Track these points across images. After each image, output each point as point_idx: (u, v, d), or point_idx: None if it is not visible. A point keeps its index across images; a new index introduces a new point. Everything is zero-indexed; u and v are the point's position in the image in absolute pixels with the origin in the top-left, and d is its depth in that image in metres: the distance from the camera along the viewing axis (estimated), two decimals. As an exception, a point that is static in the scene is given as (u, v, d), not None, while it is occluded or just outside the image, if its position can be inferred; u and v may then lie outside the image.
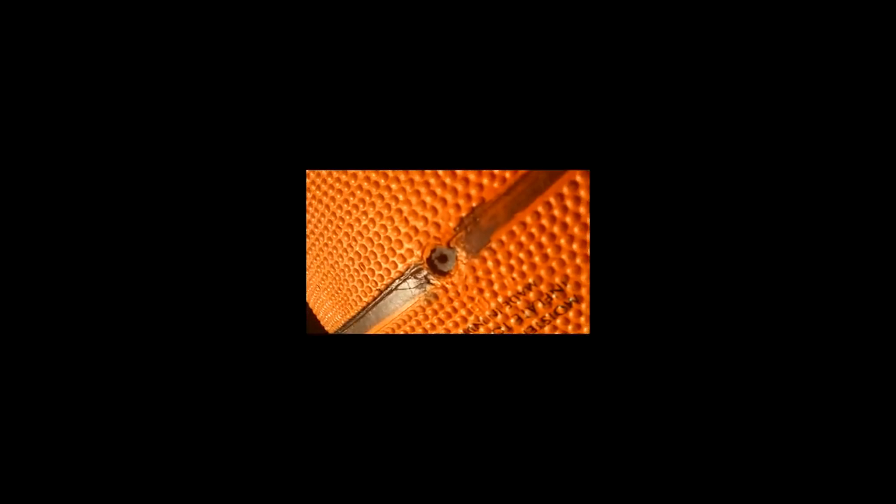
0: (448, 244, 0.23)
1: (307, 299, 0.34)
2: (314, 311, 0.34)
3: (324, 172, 0.26)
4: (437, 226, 0.23)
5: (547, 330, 0.24)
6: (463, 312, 0.24)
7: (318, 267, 0.29)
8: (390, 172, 0.24)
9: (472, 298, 0.24)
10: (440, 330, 0.25)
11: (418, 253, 0.24)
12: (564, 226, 0.22)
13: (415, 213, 0.23)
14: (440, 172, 0.23)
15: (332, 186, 0.26)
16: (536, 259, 0.22)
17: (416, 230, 0.23)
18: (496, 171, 0.22)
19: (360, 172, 0.25)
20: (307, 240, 0.29)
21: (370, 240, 0.25)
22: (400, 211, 0.24)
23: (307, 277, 0.31)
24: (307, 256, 0.29)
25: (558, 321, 0.23)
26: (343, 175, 0.25)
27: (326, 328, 0.33)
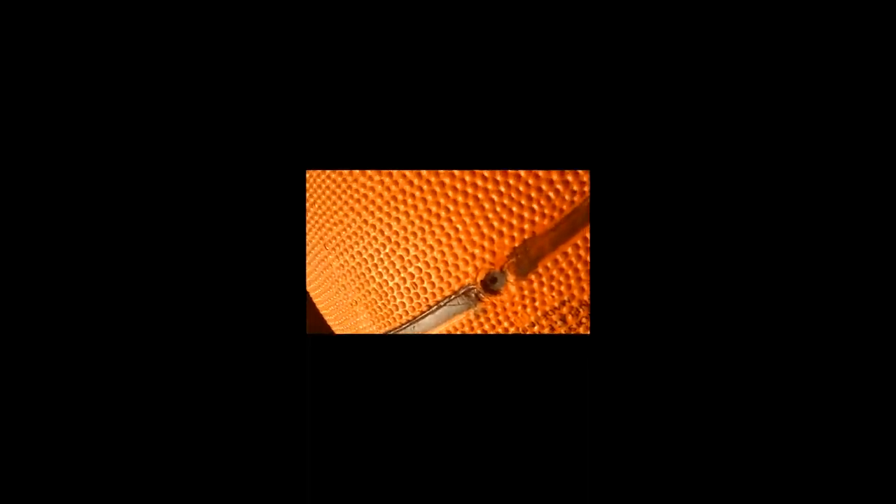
0: (501, 268, 0.28)
1: (327, 314, 0.36)
2: (336, 324, 0.36)
3: (378, 200, 0.29)
4: (493, 253, 0.28)
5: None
6: (506, 324, 0.29)
7: (362, 285, 0.31)
8: (451, 206, 0.28)
9: (515, 313, 0.29)
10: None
11: (473, 275, 0.28)
12: (594, 255, 0.28)
13: (473, 242, 0.28)
14: (498, 209, 0.27)
15: (388, 214, 0.29)
16: (572, 281, 0.28)
17: (473, 256, 0.28)
18: (546, 210, 0.27)
19: (420, 203, 0.28)
20: (351, 259, 0.31)
21: (427, 263, 0.29)
22: (459, 240, 0.28)
23: (339, 295, 0.33)
24: (347, 276, 0.32)
25: (581, 329, 0.29)
26: (402, 205, 0.29)
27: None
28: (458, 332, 0.30)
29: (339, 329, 0.36)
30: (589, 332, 0.29)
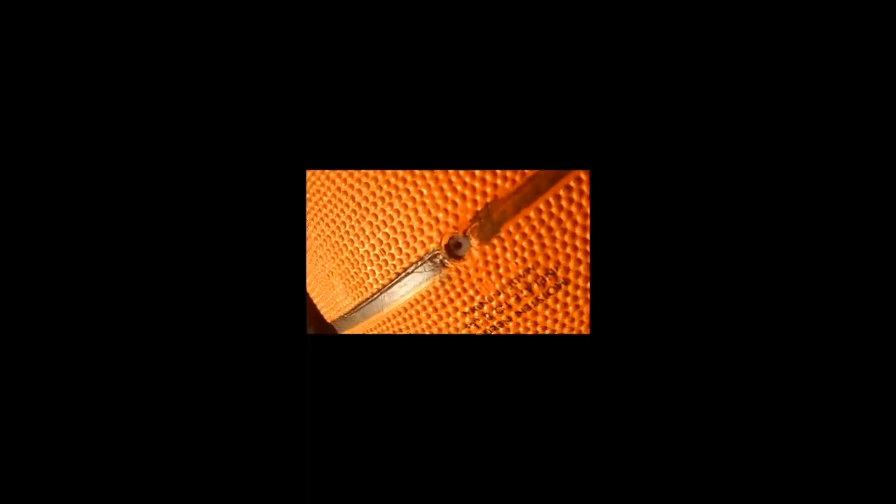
0: (464, 233, 0.28)
1: (310, 289, 0.37)
2: (318, 299, 0.36)
3: (346, 172, 0.30)
4: (456, 217, 0.28)
5: (539, 308, 0.29)
6: (471, 292, 0.29)
7: (336, 254, 0.32)
8: (417, 171, 0.28)
9: (480, 280, 0.28)
10: (449, 308, 0.29)
11: (437, 239, 0.28)
12: (559, 221, 0.27)
13: (437, 206, 0.28)
14: (461, 172, 0.27)
15: (358, 180, 0.30)
16: (535, 247, 0.27)
17: (437, 220, 0.28)
18: (508, 173, 0.27)
19: (388, 171, 0.29)
20: (326, 228, 0.32)
21: (394, 228, 0.29)
22: (424, 203, 0.28)
23: (317, 267, 0.34)
24: (323, 246, 0.33)
25: (549, 300, 0.28)
26: (371, 171, 0.29)
27: (330, 314, 0.36)
28: (425, 301, 0.30)
29: (320, 304, 0.37)
30: (559, 304, 0.29)
